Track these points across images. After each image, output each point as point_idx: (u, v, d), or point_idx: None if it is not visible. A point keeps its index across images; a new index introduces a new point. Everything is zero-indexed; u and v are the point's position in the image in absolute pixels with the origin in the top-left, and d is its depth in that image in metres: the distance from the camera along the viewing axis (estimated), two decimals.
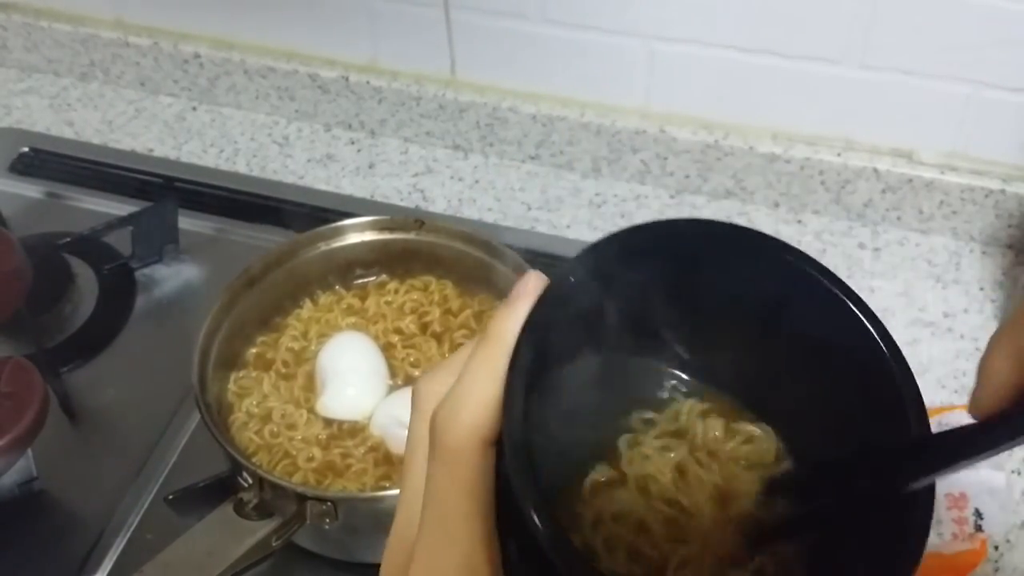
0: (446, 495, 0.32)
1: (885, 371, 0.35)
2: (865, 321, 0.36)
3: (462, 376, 0.33)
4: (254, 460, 0.70)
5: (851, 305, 0.36)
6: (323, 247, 0.79)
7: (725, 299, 0.38)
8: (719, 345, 0.39)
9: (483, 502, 0.32)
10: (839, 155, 0.90)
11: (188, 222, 0.93)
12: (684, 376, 0.41)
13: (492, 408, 0.32)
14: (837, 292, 0.36)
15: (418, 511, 0.33)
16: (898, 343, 0.35)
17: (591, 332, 0.37)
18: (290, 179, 1.01)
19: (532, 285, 0.35)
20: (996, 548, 0.70)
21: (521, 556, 0.33)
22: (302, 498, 0.64)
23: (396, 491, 0.65)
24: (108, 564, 0.72)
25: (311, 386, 0.75)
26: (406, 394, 0.74)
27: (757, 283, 0.38)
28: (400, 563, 0.33)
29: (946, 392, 0.79)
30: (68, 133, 1.07)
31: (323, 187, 0.99)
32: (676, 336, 0.40)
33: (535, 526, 0.31)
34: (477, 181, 1.00)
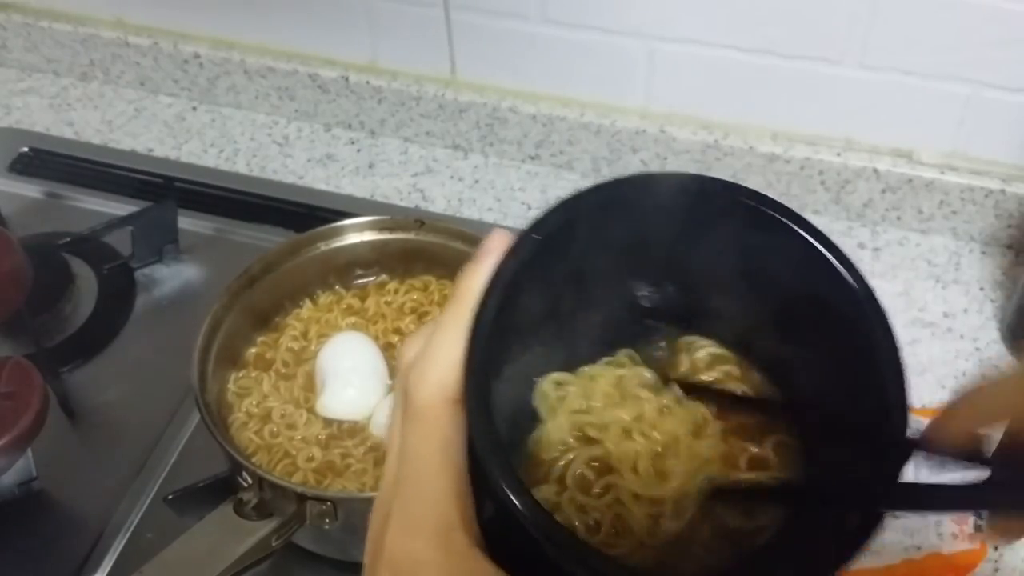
0: (417, 452, 0.33)
1: (864, 328, 0.35)
2: (846, 274, 0.36)
3: (431, 336, 0.34)
4: (254, 460, 0.70)
5: (830, 256, 0.36)
6: (323, 247, 0.79)
7: (698, 250, 0.38)
8: (694, 297, 0.39)
9: (454, 458, 0.33)
10: (839, 155, 0.90)
11: (188, 222, 0.93)
12: (659, 327, 0.41)
13: (458, 367, 0.33)
14: (815, 243, 0.37)
15: (397, 467, 0.34)
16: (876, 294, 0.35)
17: (558, 287, 0.37)
18: (290, 179, 1.01)
19: (497, 242, 0.35)
20: (996, 548, 0.70)
21: (491, 509, 0.33)
22: (302, 498, 0.64)
23: None
24: (108, 564, 0.72)
25: (311, 386, 0.75)
26: None
27: (732, 234, 0.38)
28: (383, 516, 0.34)
29: (946, 392, 0.79)
30: (68, 133, 1.07)
31: (323, 187, 0.99)
32: (647, 289, 0.39)
33: (496, 480, 0.31)
34: (477, 181, 1.00)
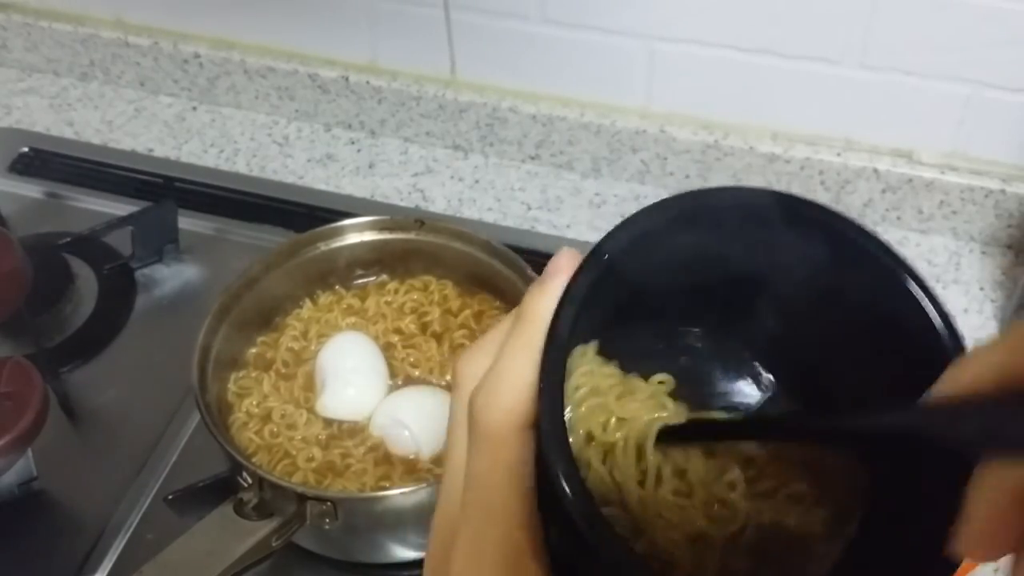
0: (487, 479, 0.32)
1: (936, 347, 0.34)
2: (920, 296, 0.34)
3: (499, 358, 0.33)
4: (254, 460, 0.70)
5: (906, 277, 0.35)
6: (323, 247, 0.79)
7: (769, 270, 0.36)
8: (764, 316, 0.37)
9: (523, 485, 0.32)
10: (839, 155, 0.90)
11: (188, 222, 0.93)
12: (732, 348, 0.39)
13: (529, 391, 0.32)
14: (893, 265, 0.35)
15: (459, 490, 0.33)
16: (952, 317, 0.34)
17: (629, 308, 0.36)
18: (290, 179, 1.01)
19: (565, 261, 0.34)
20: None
21: (561, 539, 0.33)
22: (302, 498, 0.64)
23: (396, 491, 0.65)
24: (108, 564, 0.72)
25: (311, 386, 0.75)
26: (406, 394, 0.74)
27: (805, 255, 0.36)
28: (446, 541, 0.33)
29: None
30: (68, 133, 1.07)
31: (323, 187, 0.99)
32: (720, 310, 0.38)
33: (572, 509, 0.30)
34: (477, 181, 1.00)
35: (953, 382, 0.28)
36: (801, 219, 0.36)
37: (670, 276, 0.35)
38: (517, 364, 0.32)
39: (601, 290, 0.34)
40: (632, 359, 0.37)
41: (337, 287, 0.81)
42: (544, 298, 0.33)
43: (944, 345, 0.34)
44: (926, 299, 0.34)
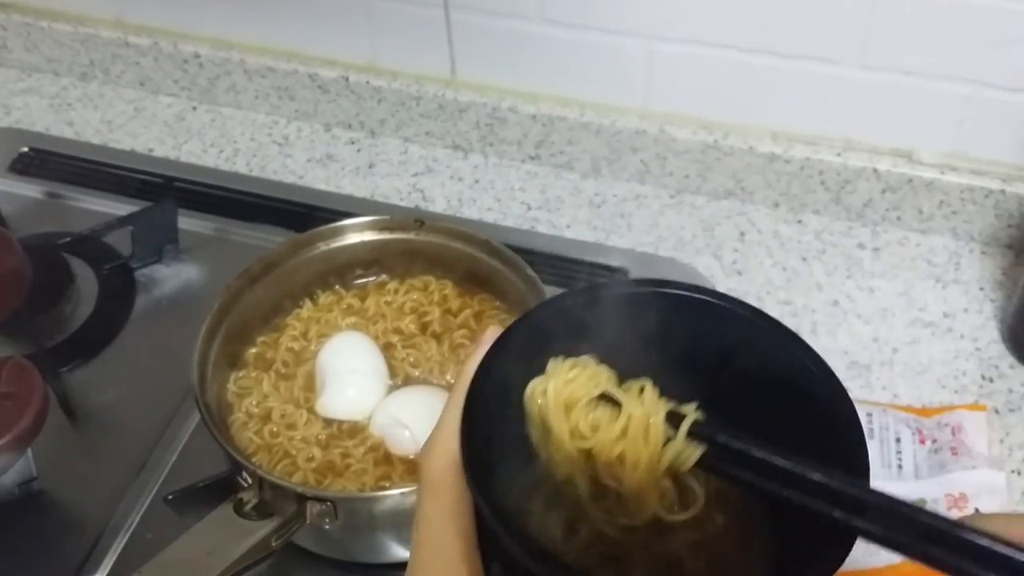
0: (430, 518, 0.38)
1: (824, 396, 0.40)
2: (804, 357, 0.42)
3: (439, 418, 0.40)
4: (254, 460, 0.70)
5: (793, 344, 0.42)
6: (323, 247, 0.79)
7: (671, 346, 0.44)
8: (668, 385, 0.43)
9: (461, 523, 0.37)
10: (839, 155, 0.90)
11: (188, 222, 0.93)
12: None
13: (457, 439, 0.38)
14: (782, 336, 0.42)
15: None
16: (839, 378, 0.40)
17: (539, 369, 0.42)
18: (290, 179, 1.01)
19: (489, 335, 0.41)
20: None
21: (497, 568, 0.37)
22: (302, 498, 0.64)
23: (396, 491, 0.65)
24: (108, 564, 0.72)
25: (311, 386, 0.75)
26: (406, 394, 0.74)
27: (698, 336, 0.43)
28: None
29: (946, 392, 0.79)
30: (68, 133, 1.07)
31: (323, 187, 0.99)
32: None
33: (502, 539, 0.35)
34: (477, 181, 1.00)
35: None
36: (699, 306, 0.44)
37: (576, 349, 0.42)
38: (449, 417, 0.39)
39: (517, 357, 0.41)
40: None
41: (337, 287, 0.81)
42: (469, 364, 0.40)
43: (827, 392, 0.41)
44: (808, 355, 0.42)
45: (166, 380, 0.81)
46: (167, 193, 0.97)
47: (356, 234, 0.79)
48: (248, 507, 0.65)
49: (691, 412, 0.40)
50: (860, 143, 0.90)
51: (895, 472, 0.70)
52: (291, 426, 0.73)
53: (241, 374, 0.76)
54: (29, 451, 0.72)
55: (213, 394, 0.72)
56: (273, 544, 0.64)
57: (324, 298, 0.80)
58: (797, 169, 0.91)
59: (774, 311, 0.86)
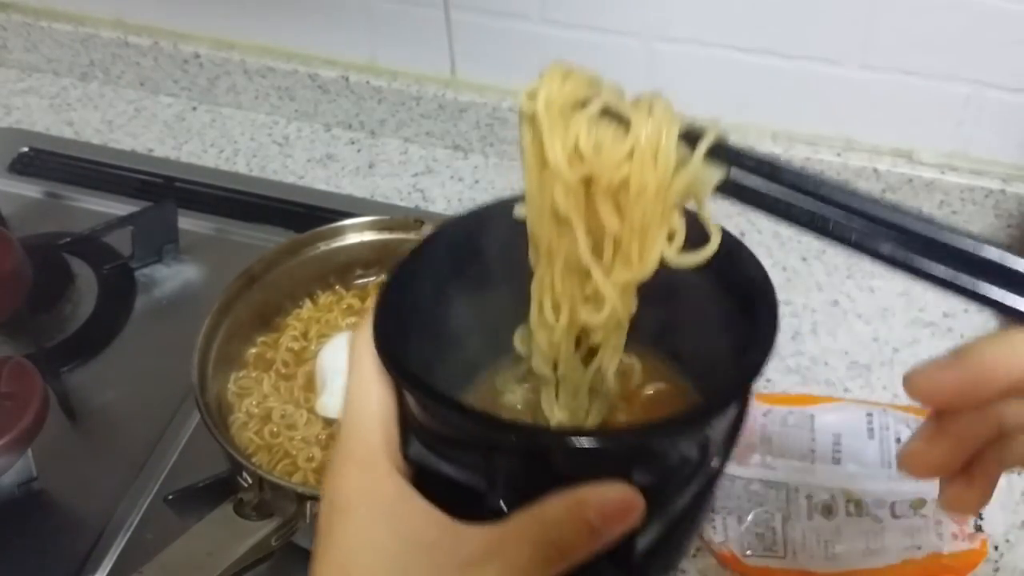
0: (353, 394, 0.39)
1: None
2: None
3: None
4: (254, 460, 0.70)
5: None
6: (323, 247, 0.79)
7: None
8: None
9: (380, 394, 0.39)
10: (839, 155, 0.90)
11: (188, 222, 0.93)
12: None
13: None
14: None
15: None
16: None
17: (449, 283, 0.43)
18: (290, 179, 1.01)
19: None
20: (996, 548, 0.70)
21: (415, 444, 0.39)
22: (302, 498, 0.64)
23: None
24: (108, 564, 0.72)
25: (311, 386, 0.75)
26: None
27: None
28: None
29: None
30: (68, 133, 1.07)
31: (323, 187, 0.99)
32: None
33: (393, 366, 0.37)
34: (477, 181, 1.00)
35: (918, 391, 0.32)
36: None
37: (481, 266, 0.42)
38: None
39: (431, 263, 0.42)
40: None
41: (337, 287, 0.81)
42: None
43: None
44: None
45: (166, 380, 0.81)
46: (167, 193, 0.97)
47: (356, 234, 0.79)
48: (248, 507, 0.65)
49: (712, 129, 0.36)
50: (860, 143, 0.90)
51: (895, 472, 0.70)
52: (291, 426, 0.73)
53: (241, 374, 0.76)
54: (29, 451, 0.72)
55: (213, 394, 0.72)
56: (273, 544, 0.64)
57: (324, 298, 0.80)
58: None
59: None
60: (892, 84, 0.85)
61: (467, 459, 0.38)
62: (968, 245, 0.32)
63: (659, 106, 0.36)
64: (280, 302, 0.79)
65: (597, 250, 0.38)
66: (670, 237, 0.37)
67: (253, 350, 0.77)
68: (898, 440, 0.72)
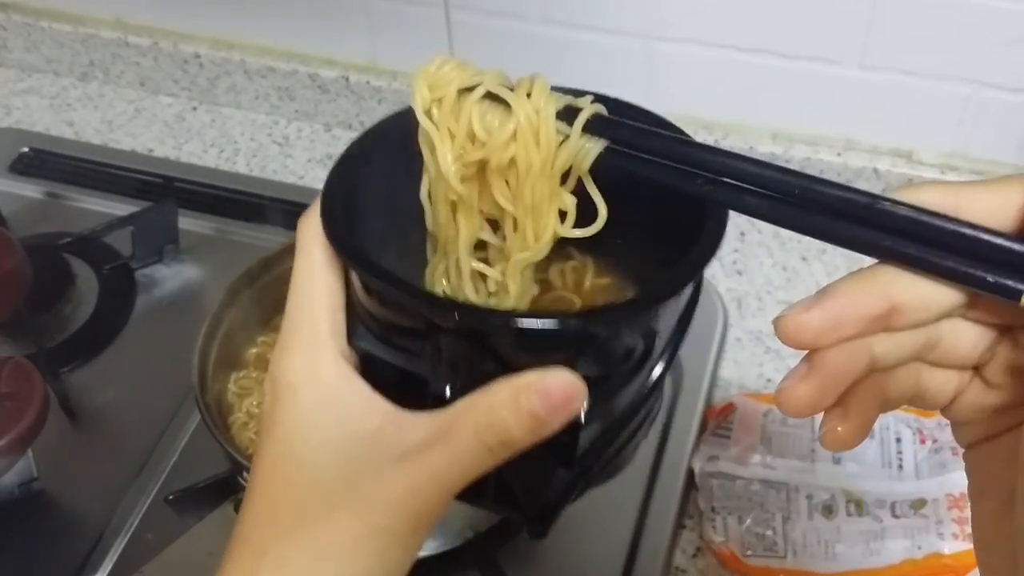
0: (298, 279, 0.39)
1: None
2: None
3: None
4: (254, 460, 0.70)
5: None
6: None
7: None
8: None
9: (326, 279, 0.39)
10: (839, 155, 0.90)
11: (188, 222, 0.93)
12: None
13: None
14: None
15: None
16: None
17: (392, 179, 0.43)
18: (290, 179, 1.01)
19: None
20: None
21: (361, 333, 0.39)
22: None
23: None
24: (108, 564, 0.72)
25: None
26: None
27: None
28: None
29: None
30: (68, 133, 1.07)
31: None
32: None
33: (343, 250, 0.37)
34: None
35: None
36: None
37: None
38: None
39: (370, 161, 0.42)
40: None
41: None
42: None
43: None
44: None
45: (166, 380, 0.81)
46: (167, 193, 0.97)
47: None
48: None
49: (588, 105, 0.38)
50: (860, 143, 0.90)
51: (895, 472, 0.70)
52: None
53: (241, 374, 0.76)
54: (29, 451, 0.72)
55: (213, 394, 0.72)
56: None
57: None
58: (797, 169, 0.91)
59: (774, 311, 0.86)
60: (892, 84, 0.85)
61: (411, 345, 0.37)
62: (824, 190, 0.34)
63: (537, 87, 0.38)
64: (280, 302, 0.78)
65: (491, 232, 0.40)
66: (563, 215, 0.39)
67: (253, 350, 0.77)
68: (898, 440, 0.72)
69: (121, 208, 0.94)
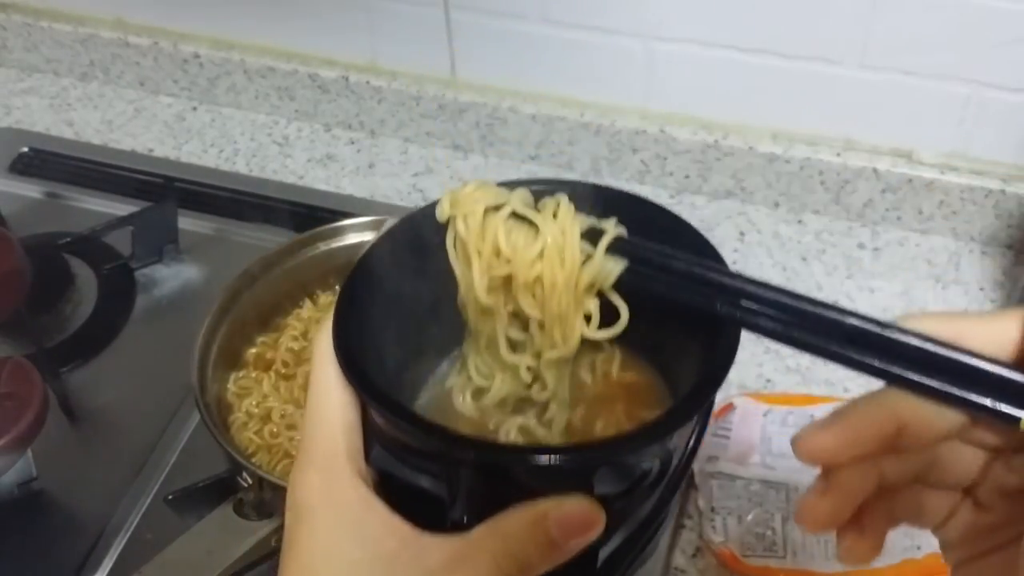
0: (314, 395, 0.39)
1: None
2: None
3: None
4: (254, 460, 0.70)
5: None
6: (323, 247, 0.79)
7: None
8: None
9: (344, 395, 0.39)
10: (839, 155, 0.90)
11: (188, 222, 0.93)
12: None
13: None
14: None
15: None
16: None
17: (407, 288, 0.44)
18: (290, 179, 1.01)
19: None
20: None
21: (377, 449, 0.39)
22: None
23: None
24: (108, 564, 0.72)
25: None
26: None
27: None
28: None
29: None
30: (68, 133, 1.07)
31: (323, 187, 0.99)
32: None
33: (356, 383, 0.37)
34: None
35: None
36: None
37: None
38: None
39: (386, 273, 0.42)
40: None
41: (337, 287, 0.81)
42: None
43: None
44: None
45: (166, 380, 0.81)
46: (167, 193, 0.97)
47: (356, 234, 0.79)
48: (248, 507, 0.65)
49: (611, 227, 0.40)
50: (860, 143, 0.90)
51: None
52: (291, 426, 0.73)
53: (241, 374, 0.76)
54: (29, 451, 0.72)
55: (213, 394, 0.72)
56: (273, 544, 0.64)
57: (324, 298, 0.80)
58: (797, 169, 0.91)
59: None
60: (892, 84, 0.85)
61: (428, 467, 0.38)
62: (837, 317, 0.36)
63: (562, 209, 0.40)
64: (280, 302, 0.79)
65: (522, 328, 0.43)
66: (588, 318, 0.41)
67: (253, 350, 0.77)
68: None
69: (121, 208, 0.94)
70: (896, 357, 0.34)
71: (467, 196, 0.40)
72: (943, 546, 0.39)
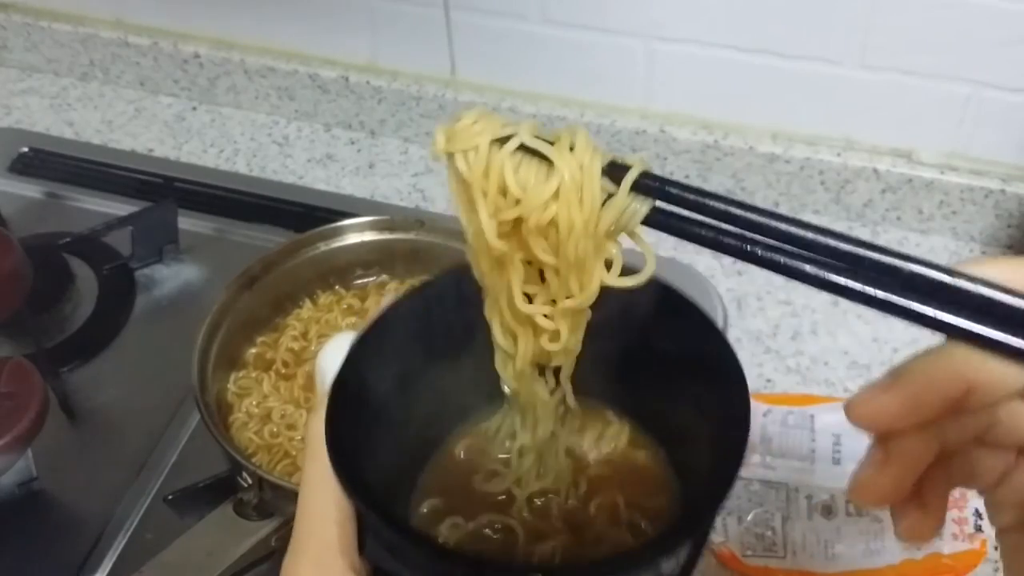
0: (309, 484, 0.38)
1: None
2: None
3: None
4: (254, 460, 0.70)
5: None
6: (323, 247, 0.79)
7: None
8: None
9: (337, 489, 0.37)
10: (839, 155, 0.90)
11: (188, 222, 0.93)
12: None
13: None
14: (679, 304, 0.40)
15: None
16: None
17: (406, 362, 0.42)
18: (290, 179, 1.01)
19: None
20: (996, 548, 0.69)
21: (372, 541, 0.38)
22: None
23: None
24: (108, 564, 0.72)
25: (311, 386, 0.75)
26: None
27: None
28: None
29: None
30: (68, 133, 1.07)
31: (323, 187, 0.99)
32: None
33: (346, 487, 0.36)
34: None
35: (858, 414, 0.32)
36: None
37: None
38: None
39: (381, 353, 0.40)
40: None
41: (337, 287, 0.81)
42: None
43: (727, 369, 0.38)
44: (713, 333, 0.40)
45: (166, 380, 0.81)
46: (167, 193, 0.97)
47: (356, 234, 0.79)
48: (248, 507, 0.65)
49: (637, 162, 0.35)
50: (860, 143, 0.90)
51: None
52: (291, 426, 0.73)
53: (241, 374, 0.76)
54: (29, 451, 0.72)
55: (213, 394, 0.72)
56: (273, 544, 0.64)
57: (324, 298, 0.80)
58: (797, 169, 0.91)
59: (774, 311, 0.86)
60: (892, 84, 0.85)
61: (423, 568, 0.37)
62: (894, 262, 0.32)
63: (580, 141, 0.35)
64: (280, 302, 0.79)
65: (537, 280, 0.38)
66: (609, 265, 0.37)
67: (253, 350, 0.77)
68: None
69: (121, 208, 0.94)
70: (961, 307, 0.30)
71: (466, 129, 0.35)
72: (991, 507, 0.36)
